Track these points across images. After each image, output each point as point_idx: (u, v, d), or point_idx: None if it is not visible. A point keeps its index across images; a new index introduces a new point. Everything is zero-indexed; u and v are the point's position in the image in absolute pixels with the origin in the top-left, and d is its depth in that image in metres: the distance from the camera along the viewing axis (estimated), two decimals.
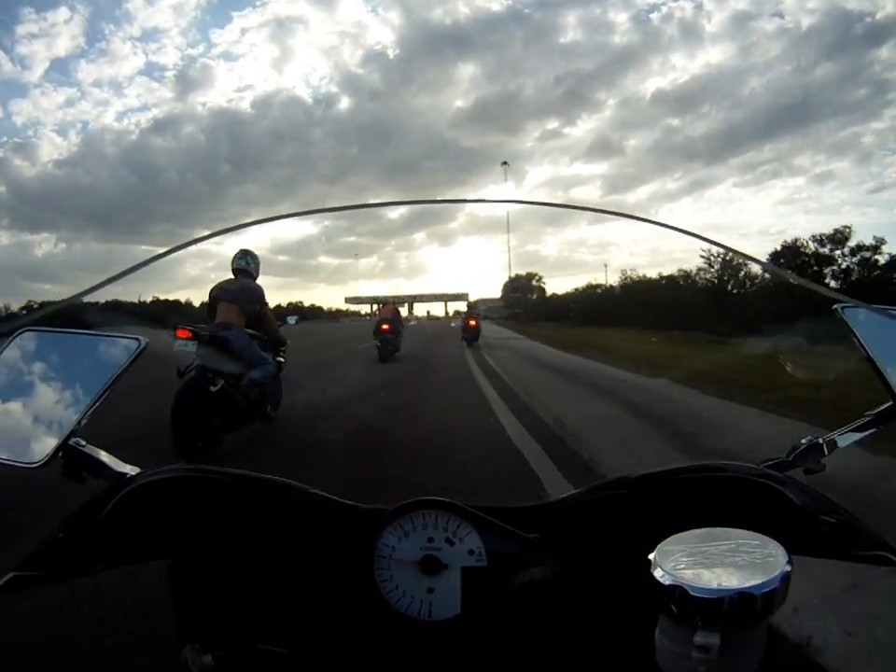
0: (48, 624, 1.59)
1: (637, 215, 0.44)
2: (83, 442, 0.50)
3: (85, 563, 0.45)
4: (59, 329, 0.56)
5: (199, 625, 0.47)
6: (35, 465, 0.48)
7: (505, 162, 51.87)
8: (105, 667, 1.42)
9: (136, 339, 0.53)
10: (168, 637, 0.47)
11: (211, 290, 3.99)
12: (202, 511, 0.47)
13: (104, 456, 0.50)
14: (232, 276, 4.08)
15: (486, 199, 0.52)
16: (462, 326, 15.80)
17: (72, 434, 0.49)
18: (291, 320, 5.05)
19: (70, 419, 0.49)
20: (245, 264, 4.10)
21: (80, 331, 0.56)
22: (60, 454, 0.48)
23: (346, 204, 0.41)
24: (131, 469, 0.49)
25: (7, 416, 0.51)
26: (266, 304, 4.23)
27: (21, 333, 0.53)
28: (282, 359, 4.36)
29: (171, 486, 0.47)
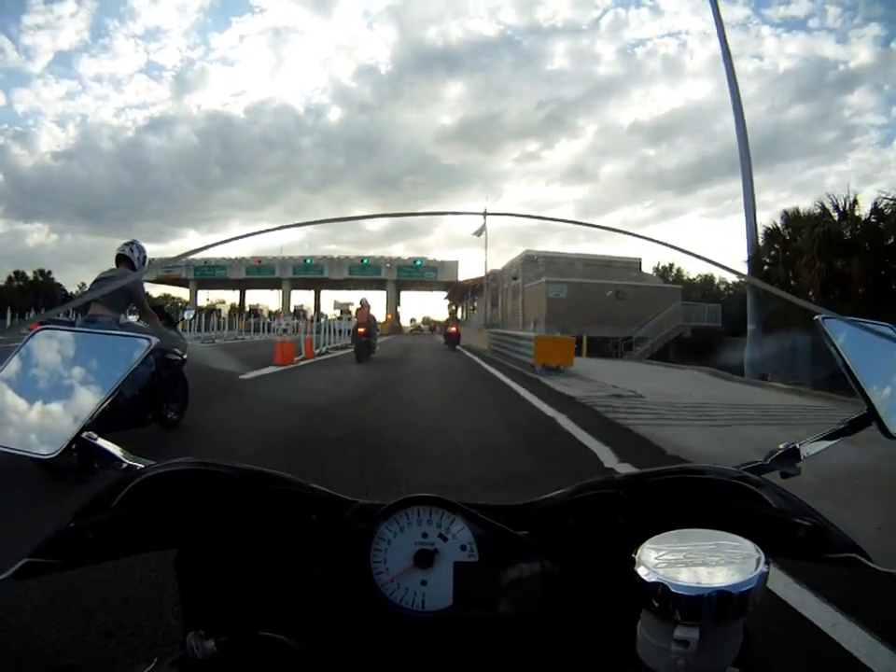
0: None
1: (624, 230, 0.45)
2: (95, 436, 0.52)
3: (95, 551, 0.46)
4: (74, 328, 0.59)
5: (203, 613, 0.49)
6: (49, 456, 0.50)
7: None
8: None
9: (147, 338, 0.55)
10: (173, 624, 0.49)
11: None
12: (207, 504, 0.48)
13: (115, 449, 0.52)
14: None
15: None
16: (444, 333, 15.89)
17: (85, 427, 0.51)
18: (188, 314, 5.05)
19: (83, 413, 0.51)
20: (130, 251, 3.94)
21: (94, 330, 0.58)
22: (73, 446, 0.50)
23: (343, 216, 0.43)
24: (140, 462, 0.51)
25: (23, 409, 0.53)
26: (140, 300, 3.93)
27: (38, 331, 0.55)
28: (178, 356, 4.09)
29: (178, 479, 0.49)
